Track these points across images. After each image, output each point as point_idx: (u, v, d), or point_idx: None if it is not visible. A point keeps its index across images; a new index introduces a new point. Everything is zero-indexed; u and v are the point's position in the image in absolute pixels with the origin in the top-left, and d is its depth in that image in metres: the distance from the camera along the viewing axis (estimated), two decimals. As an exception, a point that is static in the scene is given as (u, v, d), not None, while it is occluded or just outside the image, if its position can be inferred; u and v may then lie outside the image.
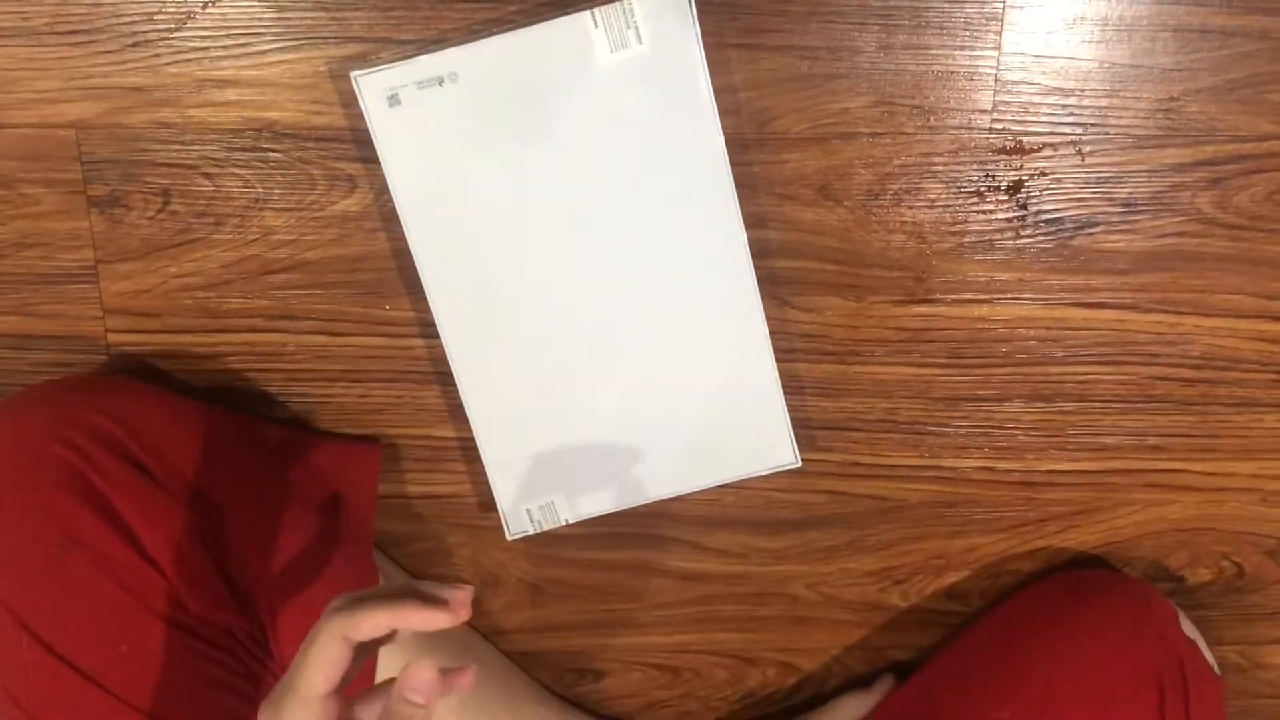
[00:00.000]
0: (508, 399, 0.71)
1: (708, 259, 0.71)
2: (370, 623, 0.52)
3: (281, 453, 0.76)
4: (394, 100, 0.68)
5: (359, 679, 0.64)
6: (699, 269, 0.72)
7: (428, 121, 0.68)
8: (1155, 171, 0.74)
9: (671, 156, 0.69)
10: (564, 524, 0.76)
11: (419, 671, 0.52)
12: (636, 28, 0.66)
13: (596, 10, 0.66)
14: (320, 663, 0.52)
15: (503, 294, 0.71)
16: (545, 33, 0.67)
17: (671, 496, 0.77)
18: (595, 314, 0.72)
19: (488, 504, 0.77)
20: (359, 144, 0.72)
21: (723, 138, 0.69)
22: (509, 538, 0.76)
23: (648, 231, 0.71)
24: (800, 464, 0.75)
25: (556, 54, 0.67)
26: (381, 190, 0.72)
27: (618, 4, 0.66)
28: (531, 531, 0.76)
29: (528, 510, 0.76)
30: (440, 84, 0.67)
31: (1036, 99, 0.72)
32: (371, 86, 0.67)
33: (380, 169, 0.70)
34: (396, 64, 0.67)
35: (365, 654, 0.55)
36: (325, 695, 0.52)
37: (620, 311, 0.72)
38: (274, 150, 0.73)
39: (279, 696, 0.53)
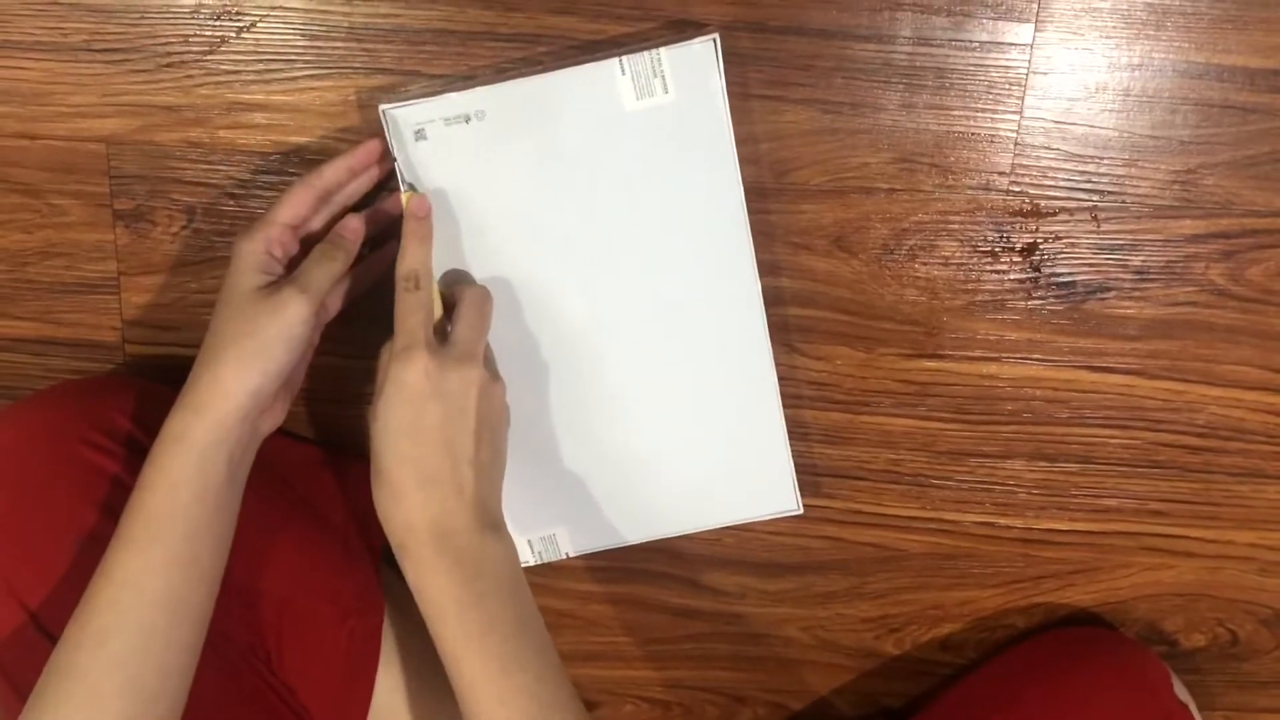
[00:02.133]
0: (516, 430, 0.72)
1: (721, 305, 0.72)
2: (331, 171, 0.69)
3: (297, 470, 0.77)
4: (420, 135, 0.68)
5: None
6: (712, 313, 0.72)
7: (452, 157, 0.69)
8: (1170, 241, 0.74)
9: (690, 203, 0.70)
10: (565, 557, 0.77)
11: (351, 217, 0.69)
12: (663, 77, 0.67)
13: (624, 58, 0.67)
14: (290, 199, 0.67)
15: (516, 327, 0.72)
16: (573, 77, 0.67)
17: (673, 536, 0.77)
18: (607, 352, 0.73)
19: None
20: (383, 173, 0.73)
21: (742, 189, 0.69)
22: (509, 568, 0.76)
23: (663, 275, 0.71)
24: (802, 511, 0.76)
25: (583, 98, 0.68)
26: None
27: (646, 53, 0.67)
28: (533, 563, 0.77)
29: (529, 541, 0.77)
30: (467, 121, 0.68)
31: (1055, 164, 0.73)
32: (399, 120, 0.68)
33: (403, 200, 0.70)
34: (425, 99, 0.68)
35: (328, 209, 0.70)
36: (286, 224, 0.67)
37: (632, 351, 0.73)
38: (300, 175, 0.74)
39: (250, 226, 0.67)
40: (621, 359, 0.73)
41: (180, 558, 0.61)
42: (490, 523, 0.65)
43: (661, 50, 0.67)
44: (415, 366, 0.63)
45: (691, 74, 0.67)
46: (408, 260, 0.66)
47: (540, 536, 0.76)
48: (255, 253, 0.65)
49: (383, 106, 0.68)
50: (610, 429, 0.74)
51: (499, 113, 0.68)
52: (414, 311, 0.65)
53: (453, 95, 0.68)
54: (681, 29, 0.70)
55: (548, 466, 0.75)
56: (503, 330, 0.71)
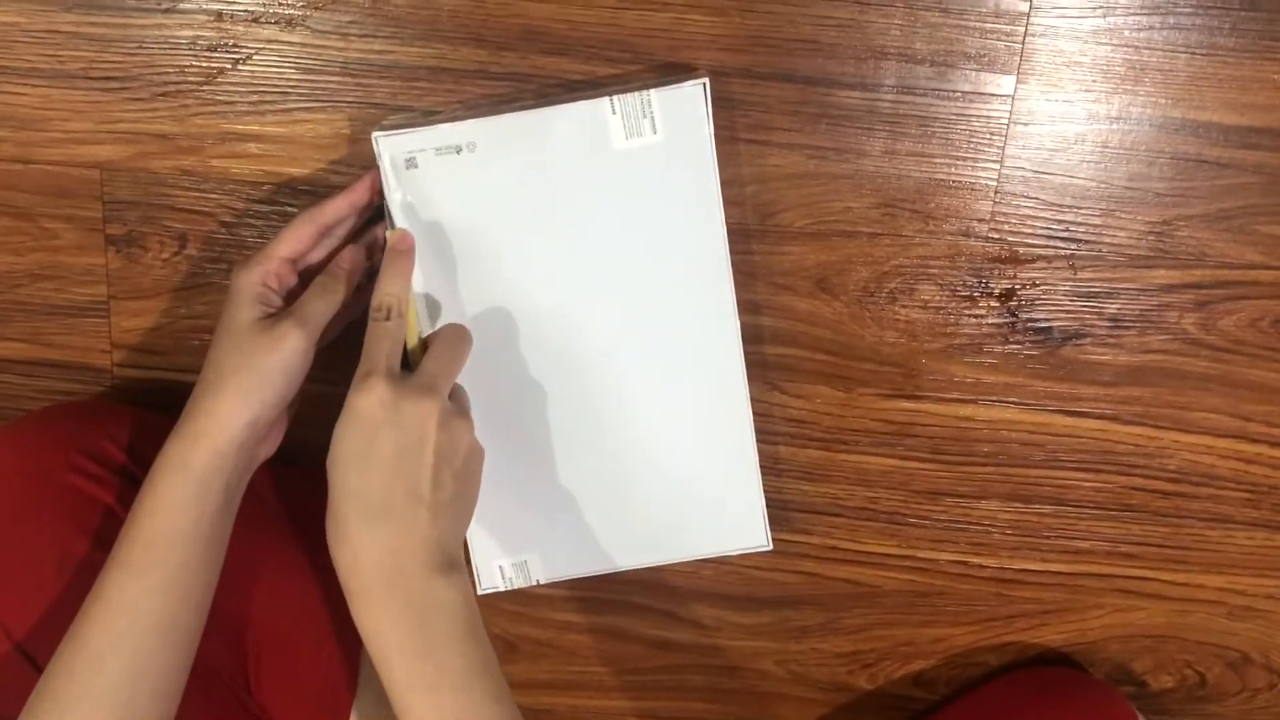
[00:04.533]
0: (492, 456, 0.73)
1: (700, 341, 0.73)
2: (332, 207, 0.69)
3: (280, 495, 0.78)
4: (411, 163, 0.69)
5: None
6: (691, 349, 0.73)
7: (442, 187, 0.69)
8: (1144, 290, 0.76)
9: (674, 241, 0.71)
10: (535, 583, 0.77)
11: (350, 249, 0.69)
12: (652, 118, 0.68)
13: (615, 97, 0.68)
14: (291, 234, 0.67)
15: (496, 356, 0.73)
16: (564, 114, 0.68)
17: (642, 567, 0.78)
18: (585, 381, 0.73)
19: (465, 557, 0.79)
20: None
21: (725, 229, 0.70)
22: (479, 592, 0.76)
23: (644, 309, 0.72)
24: (771, 547, 0.76)
25: (573, 135, 0.69)
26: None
27: (636, 94, 0.68)
28: (503, 588, 0.77)
29: (500, 567, 0.77)
30: (458, 152, 0.69)
31: (1034, 213, 0.74)
32: (390, 148, 0.69)
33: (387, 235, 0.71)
34: (417, 129, 0.69)
35: (328, 241, 0.71)
36: (285, 258, 0.67)
37: (610, 382, 0.73)
38: (291, 205, 0.75)
39: (250, 258, 0.67)
40: (599, 388, 0.74)
41: (177, 583, 0.62)
42: (443, 564, 0.62)
43: (652, 91, 0.68)
44: (371, 394, 0.62)
45: (680, 116, 0.69)
46: (382, 291, 0.66)
47: (512, 562, 0.77)
48: (253, 285, 0.66)
49: (375, 134, 0.68)
50: (586, 458, 0.75)
51: (490, 145, 0.69)
52: (380, 340, 0.64)
53: (444, 126, 0.69)
54: (672, 73, 0.71)
55: (522, 493, 0.75)
56: (483, 357, 0.72)
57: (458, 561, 0.63)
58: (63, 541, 0.66)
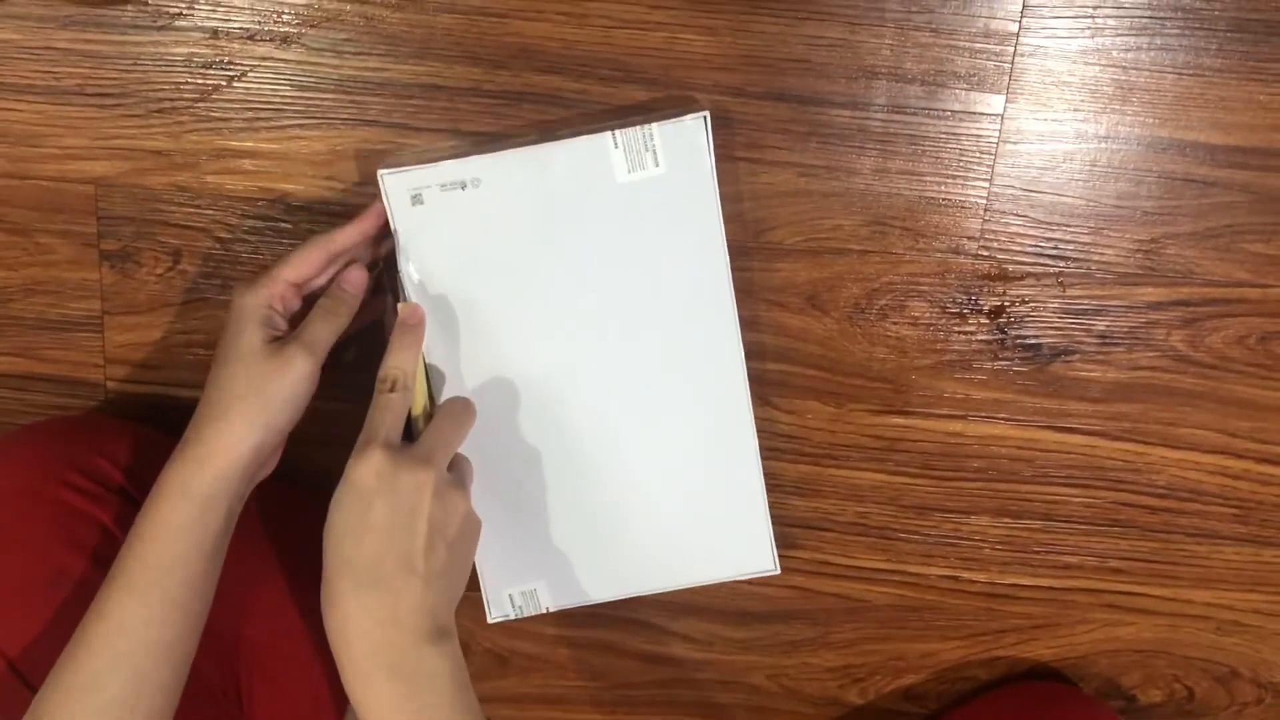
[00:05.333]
0: (500, 483, 0.73)
1: (704, 369, 0.73)
2: (342, 236, 0.68)
3: (275, 511, 0.78)
4: (417, 199, 0.69)
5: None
6: (696, 378, 0.73)
7: (447, 222, 0.70)
8: (1132, 307, 0.76)
9: (677, 272, 0.71)
10: (545, 611, 0.76)
11: (353, 270, 0.69)
12: (655, 151, 0.69)
13: (617, 131, 0.68)
14: (299, 259, 0.67)
15: (502, 385, 0.73)
16: (567, 149, 0.68)
17: (653, 592, 0.77)
18: (592, 411, 0.73)
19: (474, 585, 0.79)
20: (368, 221, 0.74)
21: (728, 258, 0.70)
22: (490, 620, 0.75)
23: (648, 339, 0.72)
24: (779, 571, 0.75)
25: (576, 170, 0.69)
26: (387, 271, 0.74)
27: (638, 128, 0.68)
28: (513, 616, 0.76)
29: (510, 595, 0.77)
30: (463, 188, 0.69)
31: (1023, 230, 0.75)
32: (397, 185, 0.69)
33: (391, 254, 0.71)
34: (422, 166, 0.69)
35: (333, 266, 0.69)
36: (291, 282, 0.67)
37: (616, 410, 0.73)
38: (285, 221, 0.76)
39: (255, 280, 0.66)
40: (606, 417, 0.74)
41: (176, 604, 0.62)
42: (434, 633, 0.61)
43: (654, 125, 0.68)
44: (368, 464, 0.62)
45: (682, 148, 0.69)
46: (390, 363, 0.66)
47: (521, 590, 0.77)
48: (259, 307, 0.65)
49: (381, 171, 0.68)
50: (594, 485, 0.75)
51: (494, 180, 0.69)
52: (383, 411, 0.64)
53: (449, 163, 0.69)
54: (665, 91, 0.72)
55: (531, 521, 0.75)
56: (491, 386, 0.72)
57: (448, 629, 0.63)
58: (56, 558, 0.66)
